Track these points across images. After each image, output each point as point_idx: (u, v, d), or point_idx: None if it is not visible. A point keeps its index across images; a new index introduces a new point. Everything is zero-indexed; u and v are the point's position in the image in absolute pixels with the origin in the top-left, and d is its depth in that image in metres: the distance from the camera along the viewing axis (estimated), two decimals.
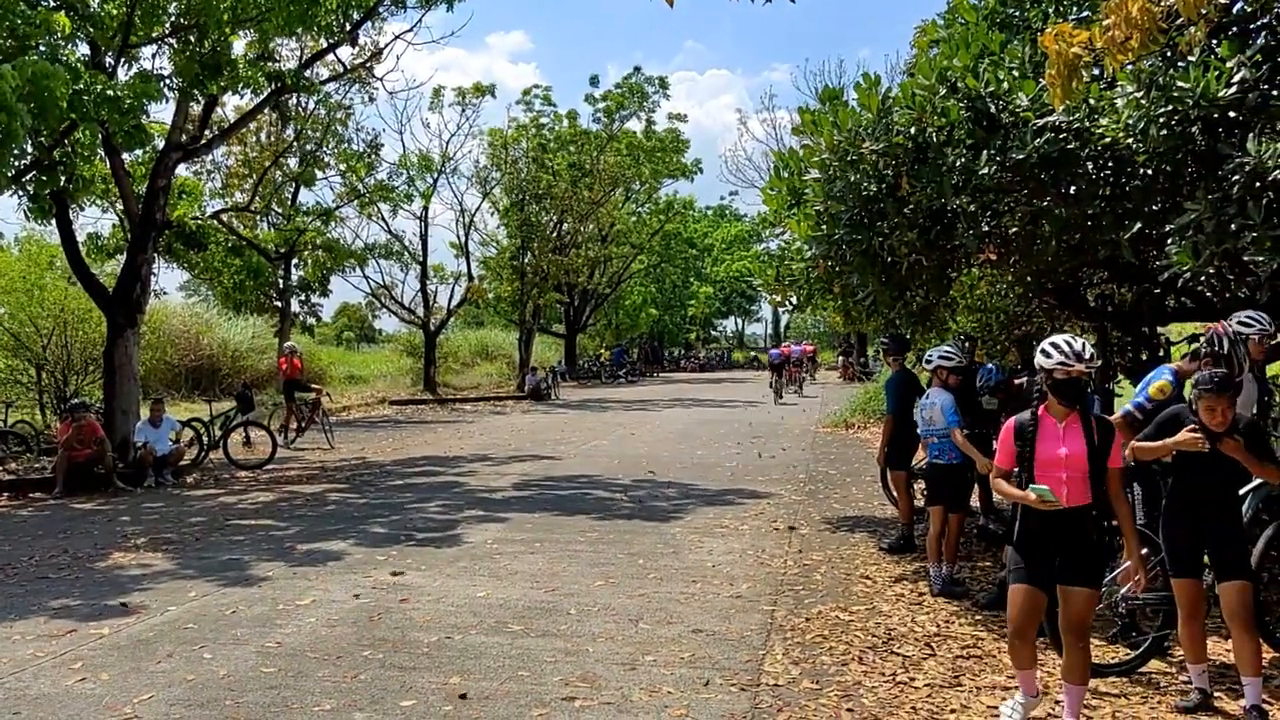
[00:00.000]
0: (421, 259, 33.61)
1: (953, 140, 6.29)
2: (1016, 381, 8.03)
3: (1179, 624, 4.79)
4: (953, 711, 4.73)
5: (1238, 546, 4.65)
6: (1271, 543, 5.30)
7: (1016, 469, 4.36)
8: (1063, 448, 4.24)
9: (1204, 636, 4.80)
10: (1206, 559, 4.75)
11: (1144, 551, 5.37)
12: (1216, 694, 4.84)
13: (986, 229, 6.76)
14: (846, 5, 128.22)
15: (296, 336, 29.48)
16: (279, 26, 13.95)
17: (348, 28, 16.40)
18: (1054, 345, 4.27)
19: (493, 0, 55.54)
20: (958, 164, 6.19)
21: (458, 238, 35.37)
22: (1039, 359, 4.34)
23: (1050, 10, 6.77)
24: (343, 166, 29.27)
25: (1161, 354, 8.71)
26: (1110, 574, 5.28)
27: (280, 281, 27.58)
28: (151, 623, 6.34)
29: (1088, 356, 4.22)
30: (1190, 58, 5.31)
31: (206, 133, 16.72)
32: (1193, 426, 4.59)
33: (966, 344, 8.70)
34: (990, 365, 8.15)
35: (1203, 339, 5.75)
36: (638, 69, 40.09)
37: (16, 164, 12.46)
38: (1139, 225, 5.87)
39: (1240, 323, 5.47)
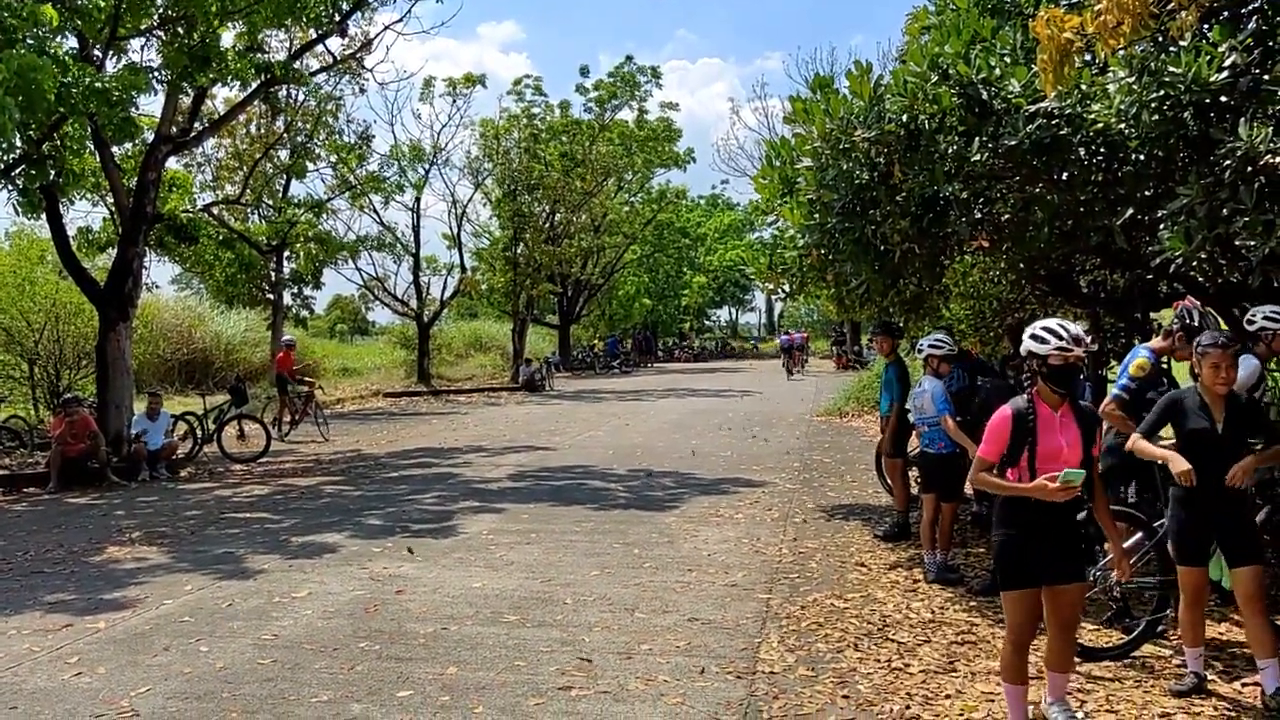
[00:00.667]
0: (414, 250, 33.46)
1: (945, 127, 6.28)
2: (980, 382, 8.01)
3: (1180, 609, 4.79)
4: (947, 697, 4.76)
5: (1247, 532, 4.61)
6: (1264, 526, 5.33)
7: (1005, 459, 4.12)
8: (1062, 438, 4.07)
9: (1204, 622, 4.81)
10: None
11: (1138, 536, 5.41)
12: (1210, 677, 4.87)
13: (979, 216, 6.76)
14: None
15: (290, 329, 29.37)
16: (268, 18, 13.89)
17: (337, 18, 16.28)
18: (1049, 330, 4.07)
19: None
20: (950, 151, 6.18)
21: (450, 229, 35.22)
22: (1031, 345, 4.11)
23: None
24: (333, 158, 29.11)
25: None
26: (1103, 559, 5.30)
27: (272, 274, 27.49)
28: (147, 616, 6.34)
29: (1086, 340, 4.13)
30: (1182, 42, 5.31)
31: (196, 125, 16.63)
32: (1187, 471, 4.45)
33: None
34: (955, 369, 8.05)
35: (1173, 315, 5.83)
36: (629, 58, 39.95)
37: (5, 158, 12.40)
38: (1131, 211, 5.88)
39: (1267, 317, 5.53)
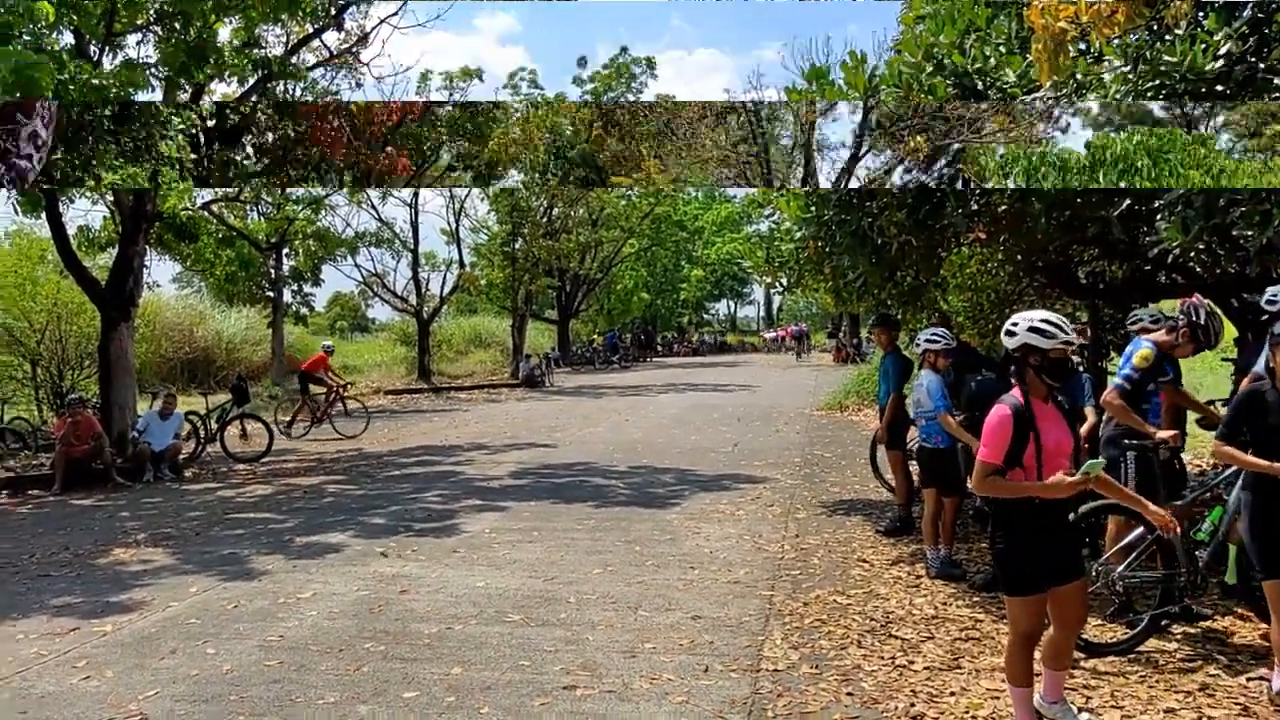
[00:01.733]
0: (413, 246, 33.47)
1: None
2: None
3: (1274, 626, 4.35)
4: (952, 694, 4.76)
5: None
6: None
7: (1006, 460, 3.97)
8: (1057, 430, 4.02)
9: None
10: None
11: (1139, 530, 5.41)
12: (1214, 672, 4.87)
13: (976, 207, 6.76)
14: None
15: (290, 327, 29.35)
16: (264, 13, 13.83)
17: (333, 13, 16.28)
18: (1053, 324, 3.98)
19: None
20: None
21: (448, 224, 35.25)
22: (1033, 339, 3.99)
23: None
24: None
25: None
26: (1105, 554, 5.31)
27: (272, 271, 27.48)
28: (154, 619, 6.35)
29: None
30: (1177, 31, 5.30)
31: None
32: None
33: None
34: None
35: (1179, 310, 5.82)
36: (624, 49, 39.68)
37: None
38: (1128, 201, 5.88)
39: None
